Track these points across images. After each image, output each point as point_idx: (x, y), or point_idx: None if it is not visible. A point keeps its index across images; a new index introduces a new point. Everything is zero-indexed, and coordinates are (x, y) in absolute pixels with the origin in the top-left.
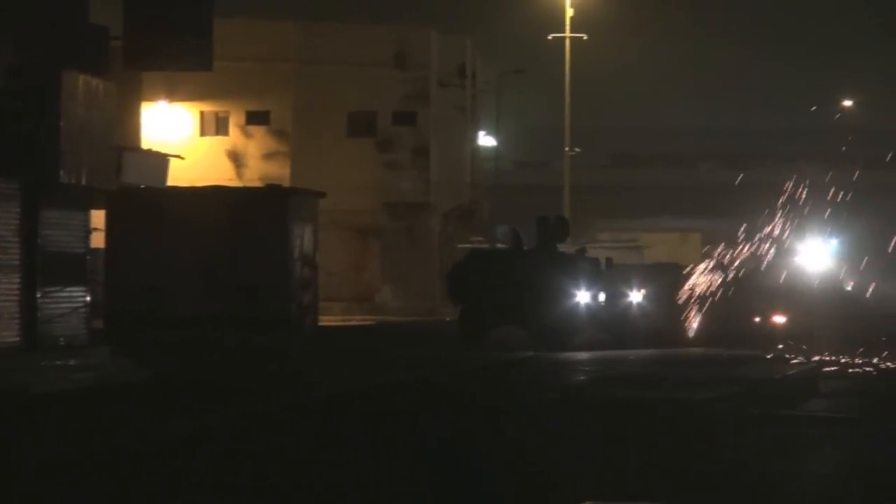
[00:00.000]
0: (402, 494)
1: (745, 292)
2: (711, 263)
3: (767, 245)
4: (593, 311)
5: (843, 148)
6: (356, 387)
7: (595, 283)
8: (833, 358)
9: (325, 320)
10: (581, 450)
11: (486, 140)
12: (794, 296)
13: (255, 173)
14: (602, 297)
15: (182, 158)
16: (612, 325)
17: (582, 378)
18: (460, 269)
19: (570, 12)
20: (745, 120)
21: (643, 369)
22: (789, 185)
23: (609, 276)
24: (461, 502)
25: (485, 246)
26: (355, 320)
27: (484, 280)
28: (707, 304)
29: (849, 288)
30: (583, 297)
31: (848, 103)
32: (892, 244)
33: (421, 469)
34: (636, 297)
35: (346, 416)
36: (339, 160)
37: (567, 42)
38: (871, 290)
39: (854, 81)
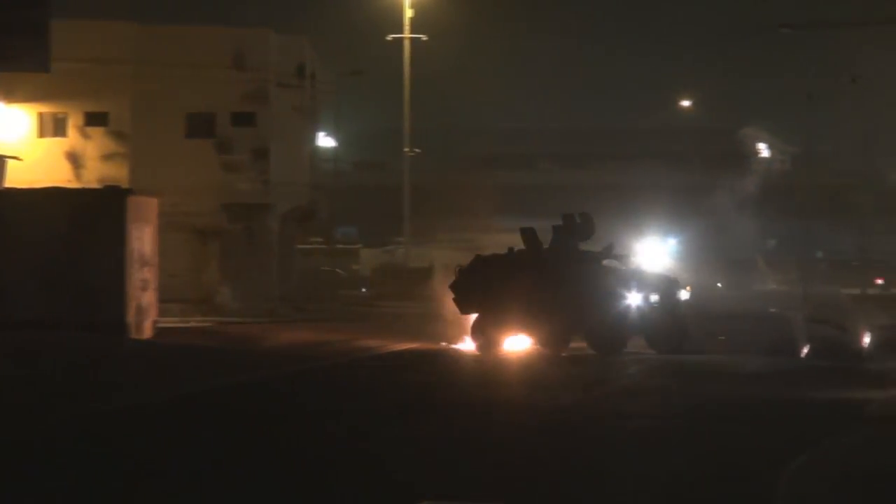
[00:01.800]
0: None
1: None
2: None
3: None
4: (644, 311)
5: (682, 147)
6: (185, 391)
7: (643, 282)
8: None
9: (164, 322)
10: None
11: (325, 141)
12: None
13: (94, 175)
14: (654, 297)
15: (20, 160)
16: (661, 328)
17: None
18: (470, 275)
19: (409, 13)
20: (585, 120)
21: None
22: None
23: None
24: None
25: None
26: (194, 321)
27: (504, 286)
28: None
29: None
30: (634, 297)
31: (686, 103)
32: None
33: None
34: (684, 295)
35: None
36: (178, 161)
37: (406, 43)
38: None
39: (692, 83)
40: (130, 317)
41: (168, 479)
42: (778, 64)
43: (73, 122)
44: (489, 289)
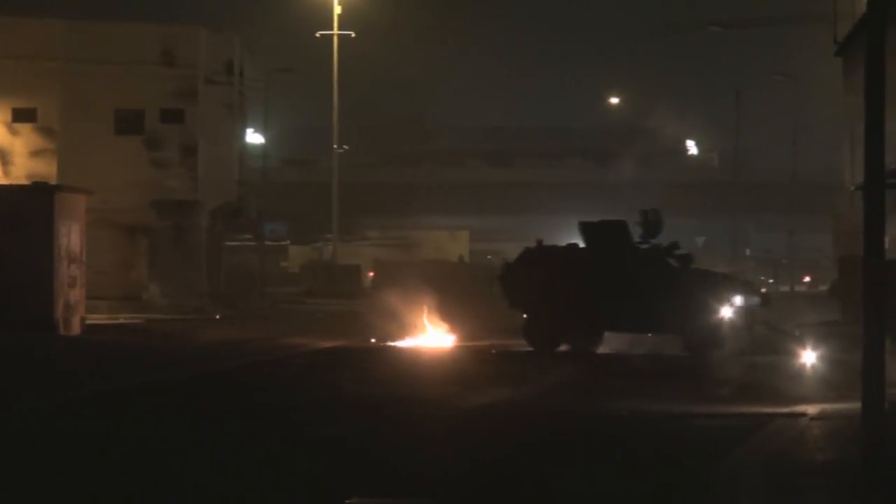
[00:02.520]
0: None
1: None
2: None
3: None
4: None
5: (611, 145)
6: (118, 386)
7: (727, 283)
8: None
9: (93, 318)
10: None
11: (254, 138)
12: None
13: (22, 171)
14: (740, 299)
15: None
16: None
17: None
18: (522, 270)
19: (337, 10)
20: (513, 118)
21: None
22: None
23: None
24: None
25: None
26: (123, 318)
27: (567, 282)
28: None
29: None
30: (724, 298)
31: (615, 101)
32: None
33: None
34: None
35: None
36: (106, 158)
37: (335, 39)
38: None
39: (621, 81)
40: (59, 313)
41: (78, 479)
42: (707, 62)
43: (1, 118)
44: (548, 284)
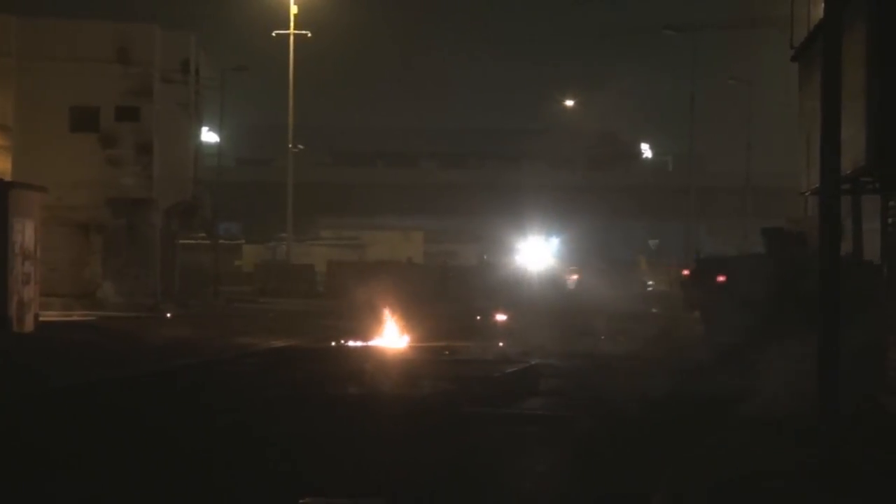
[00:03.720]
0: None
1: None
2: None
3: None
4: None
5: (566, 147)
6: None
7: None
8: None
9: (46, 315)
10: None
11: (209, 137)
12: (515, 294)
13: None
14: None
15: None
16: None
17: None
18: (705, 276)
19: (294, 10)
20: (467, 120)
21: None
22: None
23: None
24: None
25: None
26: (77, 316)
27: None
28: None
29: (570, 285)
30: None
31: (570, 103)
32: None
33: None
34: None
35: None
36: (61, 155)
37: (291, 39)
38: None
39: (575, 84)
40: (12, 311)
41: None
42: (662, 66)
43: None
44: (728, 289)
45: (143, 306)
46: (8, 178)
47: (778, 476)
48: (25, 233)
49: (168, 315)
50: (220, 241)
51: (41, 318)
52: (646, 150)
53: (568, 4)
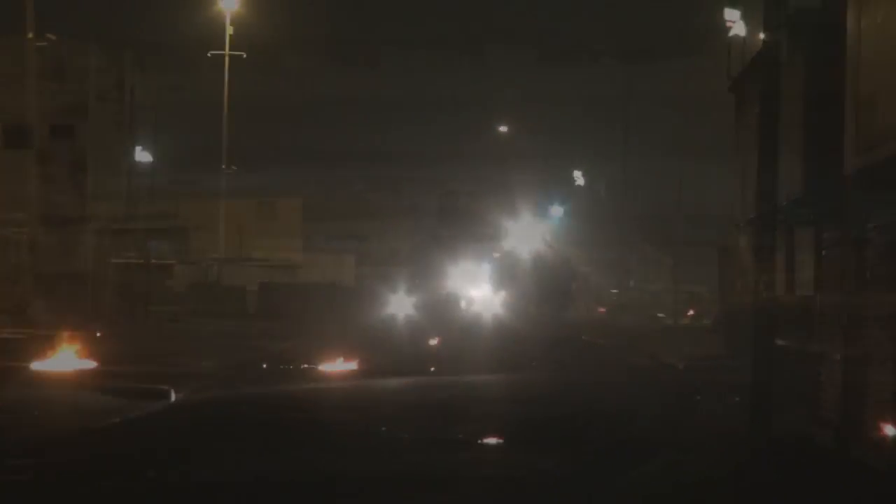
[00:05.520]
0: None
1: None
2: None
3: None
4: None
5: (498, 173)
6: None
7: None
8: None
9: None
10: None
11: (143, 155)
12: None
13: None
14: None
15: None
16: None
17: None
18: None
19: (230, 30)
20: (399, 143)
21: None
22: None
23: None
24: None
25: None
26: (6, 333)
27: None
28: None
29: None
30: None
31: (503, 129)
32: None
33: None
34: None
35: None
36: None
37: (226, 59)
38: None
39: (510, 108)
40: None
41: None
42: (597, 92)
43: None
44: None
45: (73, 325)
46: None
47: None
48: None
49: (98, 335)
50: (153, 261)
51: None
52: (578, 178)
53: (506, 30)
